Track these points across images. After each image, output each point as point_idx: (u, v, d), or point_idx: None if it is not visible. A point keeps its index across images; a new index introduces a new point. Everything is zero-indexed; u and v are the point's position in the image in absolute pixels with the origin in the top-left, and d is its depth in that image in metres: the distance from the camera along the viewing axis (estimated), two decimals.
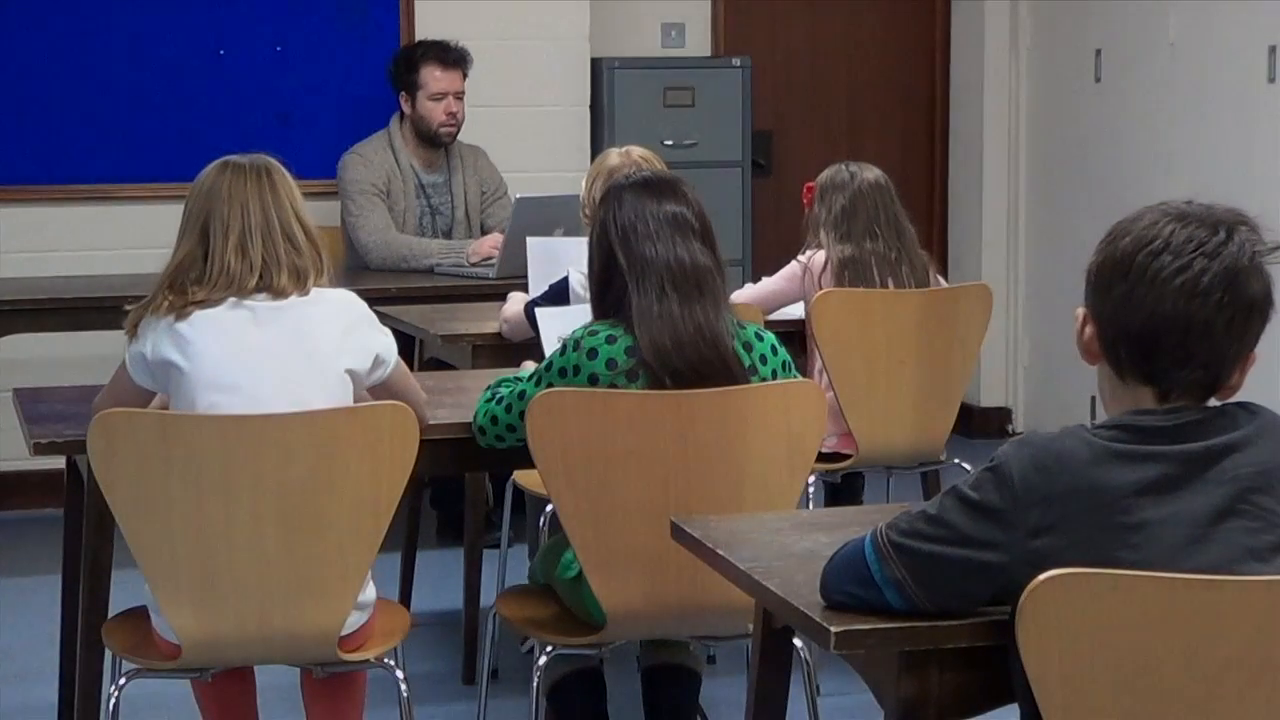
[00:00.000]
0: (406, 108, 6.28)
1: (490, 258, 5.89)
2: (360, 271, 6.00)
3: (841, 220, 4.78)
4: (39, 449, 3.49)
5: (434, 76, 6.24)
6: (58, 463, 3.90)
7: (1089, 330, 2.27)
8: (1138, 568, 2.11)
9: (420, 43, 6.43)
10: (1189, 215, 2.21)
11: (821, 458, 4.13)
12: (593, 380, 3.32)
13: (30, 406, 3.77)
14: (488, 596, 4.58)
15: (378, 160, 6.20)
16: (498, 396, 3.52)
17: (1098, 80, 6.99)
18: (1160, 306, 2.18)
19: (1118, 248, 2.22)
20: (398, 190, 6.19)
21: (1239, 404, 2.24)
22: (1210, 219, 2.20)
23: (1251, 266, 2.19)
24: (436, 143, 6.27)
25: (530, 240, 5.02)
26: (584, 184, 4.56)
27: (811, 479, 4.67)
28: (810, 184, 4.93)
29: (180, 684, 3.58)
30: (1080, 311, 2.29)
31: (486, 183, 6.37)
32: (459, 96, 6.28)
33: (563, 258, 4.67)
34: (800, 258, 4.88)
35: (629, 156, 4.47)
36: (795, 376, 3.47)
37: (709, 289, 3.36)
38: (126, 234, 6.44)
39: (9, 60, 6.38)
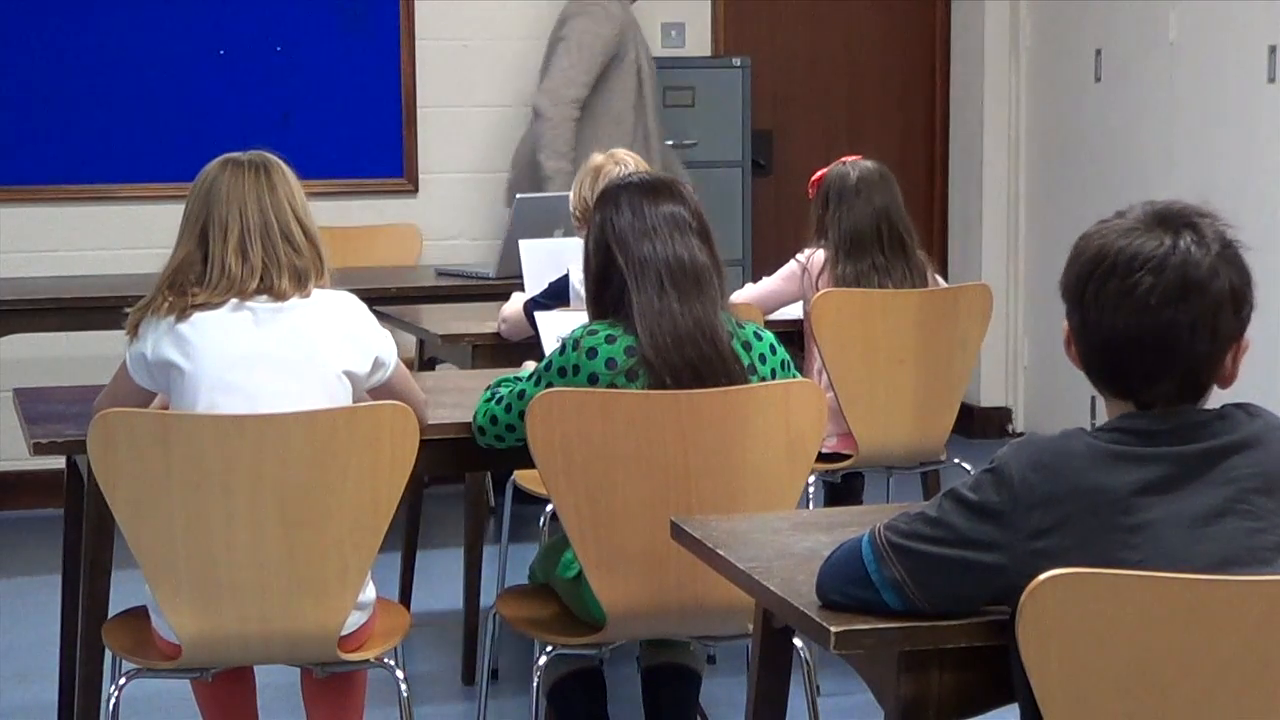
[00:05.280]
0: None
1: None
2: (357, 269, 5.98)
3: (846, 240, 4.77)
4: (39, 449, 3.49)
5: None
6: (58, 463, 3.90)
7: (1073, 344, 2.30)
8: (1138, 568, 2.11)
9: None
10: (1137, 228, 2.19)
11: (821, 458, 4.13)
12: (592, 380, 3.32)
13: (30, 406, 3.77)
14: (488, 596, 4.58)
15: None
16: (497, 396, 3.52)
17: (1098, 80, 6.98)
18: (1114, 331, 2.19)
19: (1072, 273, 2.25)
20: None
21: (1238, 406, 2.23)
22: (1159, 224, 2.18)
23: (1210, 266, 2.16)
24: None
25: (523, 243, 4.98)
26: (573, 187, 4.58)
27: (811, 479, 4.67)
28: (816, 177, 4.91)
29: (180, 684, 3.57)
30: (1065, 324, 2.30)
31: None
32: None
33: (557, 259, 4.66)
34: (799, 257, 4.87)
35: (613, 157, 4.50)
36: (795, 376, 3.47)
37: (707, 287, 3.36)
38: (126, 234, 6.44)
39: (9, 60, 6.38)
